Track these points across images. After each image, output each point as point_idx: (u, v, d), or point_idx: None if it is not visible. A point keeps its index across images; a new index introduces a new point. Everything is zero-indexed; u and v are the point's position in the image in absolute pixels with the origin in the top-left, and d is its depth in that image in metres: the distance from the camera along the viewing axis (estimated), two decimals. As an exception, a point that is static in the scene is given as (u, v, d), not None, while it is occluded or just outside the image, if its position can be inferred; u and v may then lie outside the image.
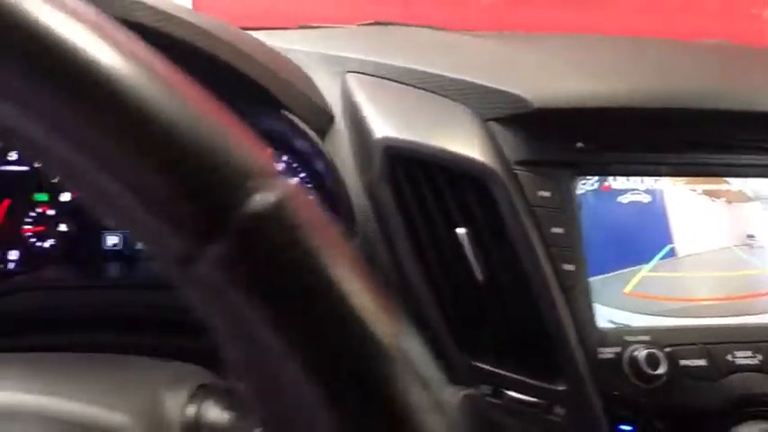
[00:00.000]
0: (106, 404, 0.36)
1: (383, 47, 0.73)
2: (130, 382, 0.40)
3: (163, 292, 0.62)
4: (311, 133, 0.54)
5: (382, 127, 0.56)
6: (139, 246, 0.71)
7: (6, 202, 0.68)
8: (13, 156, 0.69)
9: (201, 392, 0.40)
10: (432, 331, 0.53)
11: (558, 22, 1.14)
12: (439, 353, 0.54)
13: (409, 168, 0.54)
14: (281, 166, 0.71)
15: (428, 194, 0.53)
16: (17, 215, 0.69)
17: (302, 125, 0.55)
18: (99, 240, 0.71)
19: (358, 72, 0.68)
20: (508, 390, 0.51)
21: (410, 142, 0.54)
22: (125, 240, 0.71)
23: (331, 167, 0.53)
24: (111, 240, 0.71)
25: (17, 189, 0.69)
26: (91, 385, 0.38)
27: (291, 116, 0.55)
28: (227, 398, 0.40)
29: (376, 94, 0.64)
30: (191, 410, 0.38)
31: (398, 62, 0.62)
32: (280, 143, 0.71)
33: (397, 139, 0.54)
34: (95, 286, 0.64)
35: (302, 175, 0.72)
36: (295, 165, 0.72)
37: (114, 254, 0.71)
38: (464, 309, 0.53)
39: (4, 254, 0.69)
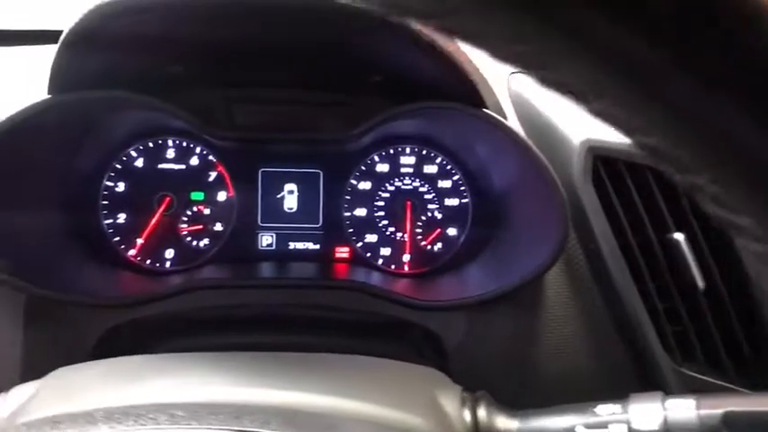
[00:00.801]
0: (398, 407, 0.35)
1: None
2: (399, 385, 0.39)
3: (316, 292, 0.62)
4: (511, 129, 0.53)
5: (583, 128, 0.56)
6: (293, 246, 0.71)
7: (167, 200, 0.68)
8: (170, 154, 0.68)
9: (469, 397, 0.39)
10: (637, 333, 0.52)
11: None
12: (644, 356, 0.53)
13: (615, 169, 0.53)
14: (434, 168, 0.71)
15: (636, 197, 0.52)
16: (175, 214, 0.68)
17: (502, 122, 0.54)
18: (254, 240, 0.70)
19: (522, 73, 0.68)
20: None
21: (618, 144, 0.53)
22: (279, 240, 0.70)
23: (539, 164, 0.52)
24: (266, 240, 0.70)
25: (175, 187, 0.68)
26: (368, 387, 0.37)
27: (491, 113, 0.55)
28: (496, 403, 0.39)
29: (554, 96, 0.63)
30: (466, 414, 0.38)
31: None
32: (433, 144, 0.71)
33: (602, 141, 0.54)
34: (251, 286, 0.63)
35: (456, 177, 0.71)
36: (449, 166, 0.71)
37: (269, 254, 0.70)
38: (674, 313, 0.52)
39: (161, 253, 0.69)
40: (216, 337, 0.61)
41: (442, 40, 0.46)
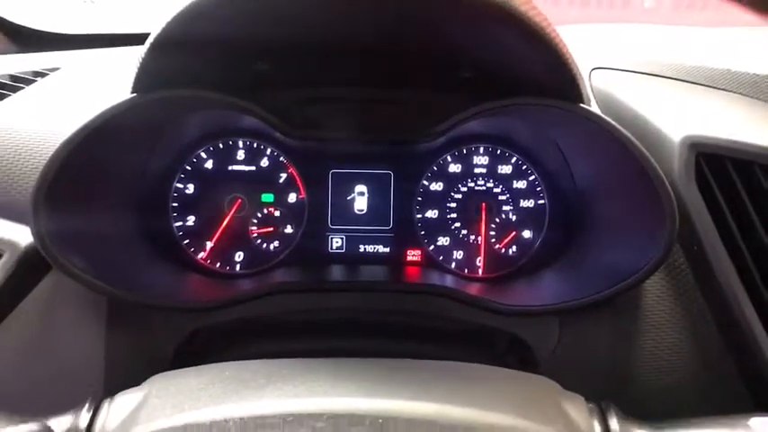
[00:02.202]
0: (530, 417, 0.33)
1: (621, 43, 0.69)
2: (519, 393, 0.37)
3: (389, 296, 0.60)
4: (613, 125, 0.51)
5: (682, 124, 0.53)
6: (363, 248, 0.69)
7: (239, 202, 0.67)
8: (240, 155, 0.67)
9: (595, 407, 0.37)
10: (748, 339, 0.49)
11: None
12: (754, 362, 0.50)
13: (720, 167, 0.50)
14: (509, 168, 0.68)
15: (745, 195, 0.49)
16: (245, 216, 0.67)
17: (604, 119, 0.51)
18: (324, 243, 0.69)
19: (606, 68, 0.65)
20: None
21: (724, 140, 0.50)
22: (348, 242, 0.69)
23: (645, 162, 0.49)
24: (336, 243, 0.69)
25: (245, 189, 0.67)
26: (490, 395, 0.35)
27: (591, 109, 0.52)
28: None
29: (645, 91, 0.60)
30: (596, 426, 0.35)
31: (673, 59, 0.59)
32: (507, 143, 0.68)
33: (706, 137, 0.51)
34: (329, 290, 0.61)
35: (532, 177, 0.68)
36: (524, 166, 0.68)
37: (339, 257, 0.69)
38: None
39: (231, 256, 0.67)
40: (294, 343, 0.59)
41: (550, 29, 0.44)
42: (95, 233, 0.54)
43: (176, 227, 0.67)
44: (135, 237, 0.61)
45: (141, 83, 0.50)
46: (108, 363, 0.51)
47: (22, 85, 0.65)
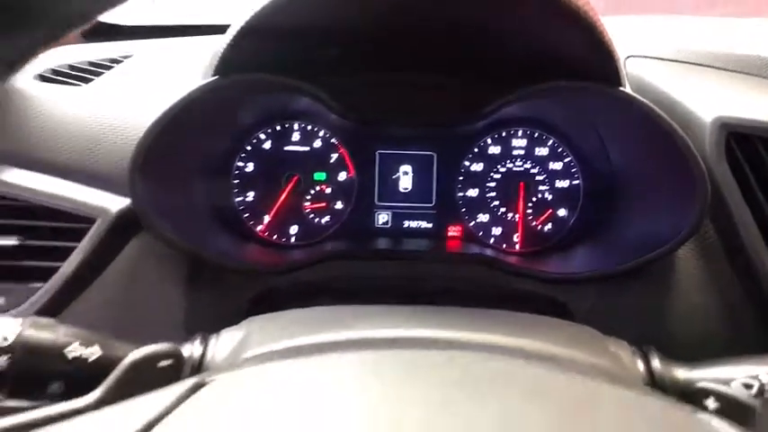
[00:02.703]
0: (587, 352, 0.37)
1: (653, 33, 0.73)
2: (569, 335, 0.41)
3: (434, 266, 0.65)
4: (651, 108, 0.55)
5: (714, 106, 0.57)
6: (407, 224, 0.74)
7: (295, 179, 0.72)
8: (295, 137, 0.73)
9: (637, 349, 0.41)
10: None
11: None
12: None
13: (750, 146, 0.54)
14: (545, 150, 0.73)
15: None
16: (300, 192, 0.73)
17: (645, 102, 0.55)
18: (371, 218, 0.74)
19: (639, 56, 0.69)
20: None
21: (754, 120, 0.54)
22: (394, 218, 0.74)
23: (680, 141, 0.53)
24: (382, 218, 0.74)
25: (300, 168, 0.73)
26: (545, 335, 0.39)
27: (631, 93, 0.56)
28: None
29: (676, 77, 0.64)
30: (639, 364, 0.39)
31: (704, 47, 0.63)
32: (544, 126, 0.73)
33: (736, 117, 0.55)
34: (370, 258, 0.66)
35: (567, 159, 0.73)
36: (560, 149, 0.73)
37: (385, 231, 0.74)
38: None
39: (287, 229, 0.73)
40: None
41: (591, 12, 0.49)
42: (175, 202, 0.60)
43: (237, 201, 0.73)
44: (205, 208, 0.67)
45: (223, 67, 0.56)
46: (187, 316, 0.57)
47: (101, 71, 0.72)
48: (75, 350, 0.35)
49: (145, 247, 0.59)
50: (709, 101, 0.58)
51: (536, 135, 0.73)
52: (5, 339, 0.34)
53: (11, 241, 0.54)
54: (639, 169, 0.63)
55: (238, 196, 0.73)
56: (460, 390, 0.27)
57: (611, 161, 0.68)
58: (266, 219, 0.73)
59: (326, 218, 0.74)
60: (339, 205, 0.74)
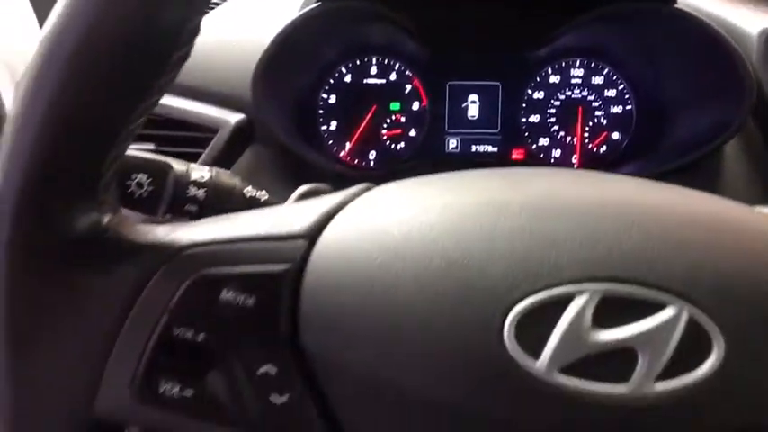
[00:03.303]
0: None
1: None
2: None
3: None
4: (705, 22, 0.62)
5: (759, 20, 0.64)
6: (474, 148, 0.82)
7: (374, 108, 0.81)
8: (374, 70, 0.81)
9: None
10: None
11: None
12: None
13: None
14: (601, 79, 0.80)
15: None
16: (378, 121, 0.81)
17: (701, 19, 0.63)
18: (442, 144, 0.82)
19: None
20: None
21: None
22: (462, 144, 0.82)
23: (733, 51, 0.60)
24: (452, 144, 0.82)
25: (377, 99, 0.81)
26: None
27: (680, 7, 0.64)
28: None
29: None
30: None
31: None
32: (600, 56, 0.80)
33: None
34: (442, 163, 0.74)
35: (621, 86, 0.80)
36: (615, 77, 0.80)
37: (454, 155, 0.82)
38: None
39: (366, 154, 0.82)
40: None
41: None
42: (284, 118, 0.69)
43: (322, 130, 0.81)
44: (299, 132, 0.76)
45: None
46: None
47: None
48: (250, 191, 0.44)
49: (257, 156, 0.67)
50: (754, 15, 0.65)
51: (592, 65, 0.81)
52: (203, 177, 0.43)
53: (149, 147, 0.64)
54: (689, 83, 0.70)
55: (323, 125, 0.81)
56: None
57: (662, 83, 0.75)
58: (348, 145, 0.82)
59: (401, 144, 0.82)
60: (413, 132, 0.82)
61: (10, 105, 0.76)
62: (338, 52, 0.80)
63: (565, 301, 0.26)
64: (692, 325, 0.25)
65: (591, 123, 0.81)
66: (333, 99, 0.81)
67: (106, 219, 0.28)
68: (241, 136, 0.66)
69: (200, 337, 0.28)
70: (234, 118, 0.66)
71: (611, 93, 0.80)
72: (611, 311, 0.26)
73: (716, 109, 0.64)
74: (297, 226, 0.30)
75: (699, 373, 0.25)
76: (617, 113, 0.80)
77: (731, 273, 0.26)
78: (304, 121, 0.80)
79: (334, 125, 0.81)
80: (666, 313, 0.25)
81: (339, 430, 0.29)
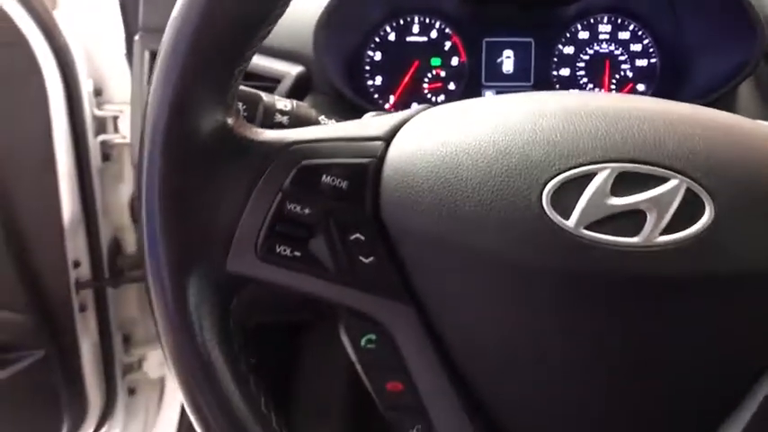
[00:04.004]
0: None
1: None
2: None
3: None
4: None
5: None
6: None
7: (416, 63, 0.88)
8: (416, 29, 0.88)
9: None
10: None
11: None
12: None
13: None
14: (627, 34, 0.86)
15: None
16: (420, 75, 0.89)
17: None
18: (480, 96, 0.89)
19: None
20: None
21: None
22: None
23: (751, 8, 0.66)
24: (489, 96, 0.89)
25: (420, 54, 0.88)
26: None
27: None
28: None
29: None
30: None
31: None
32: (626, 13, 0.86)
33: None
34: None
35: (646, 41, 0.86)
36: (640, 32, 0.86)
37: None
38: None
39: (410, 106, 0.89)
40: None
41: None
42: (337, 71, 0.77)
43: (369, 85, 0.89)
44: (350, 86, 0.84)
45: None
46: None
47: None
48: (324, 120, 0.53)
49: (314, 103, 0.76)
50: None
51: (619, 21, 0.87)
52: (286, 106, 0.52)
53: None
54: (706, 32, 0.76)
55: (369, 80, 0.89)
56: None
57: (683, 34, 0.81)
58: (392, 98, 0.89)
59: (442, 96, 0.90)
60: (452, 86, 0.89)
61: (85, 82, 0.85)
62: (383, 12, 0.87)
63: (590, 176, 0.34)
64: (689, 193, 0.33)
65: (617, 76, 0.87)
66: (378, 56, 0.89)
67: (231, 121, 0.37)
68: (301, 85, 0.74)
69: (306, 210, 0.36)
70: (295, 69, 0.74)
71: (636, 47, 0.87)
72: (626, 184, 0.34)
73: (731, 54, 0.71)
74: (377, 131, 0.39)
75: (693, 229, 0.33)
76: (642, 66, 0.87)
77: (722, 155, 0.34)
78: (353, 76, 0.87)
79: (379, 80, 0.89)
80: (669, 185, 0.33)
81: (412, 286, 0.37)
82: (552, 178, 0.34)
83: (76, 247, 1.05)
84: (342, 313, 0.38)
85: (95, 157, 1.07)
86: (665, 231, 0.33)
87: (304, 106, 0.54)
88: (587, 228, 0.33)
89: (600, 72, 0.87)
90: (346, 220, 0.37)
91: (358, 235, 0.37)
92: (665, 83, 0.86)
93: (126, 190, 1.16)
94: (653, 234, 0.33)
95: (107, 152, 1.10)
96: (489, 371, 0.37)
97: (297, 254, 0.37)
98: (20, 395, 1.08)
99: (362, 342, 0.38)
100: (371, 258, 0.37)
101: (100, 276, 1.10)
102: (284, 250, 0.37)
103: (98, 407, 1.20)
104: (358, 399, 1.19)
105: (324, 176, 0.37)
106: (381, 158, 0.38)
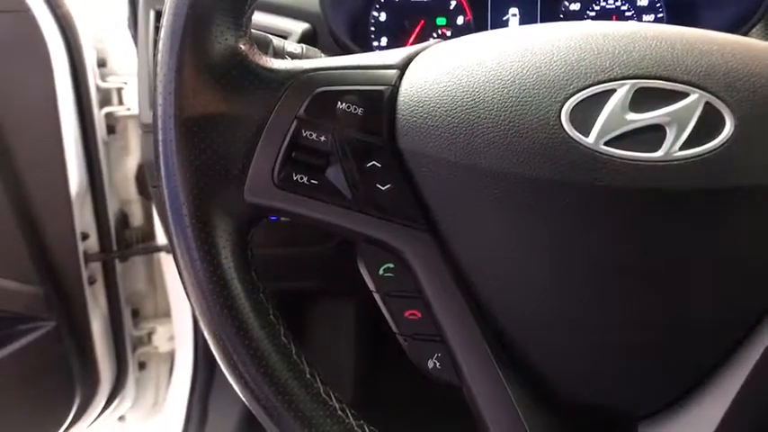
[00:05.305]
0: None
1: None
2: None
3: None
4: None
5: None
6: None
7: (421, 22, 0.88)
8: (421, -11, 0.88)
9: None
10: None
11: None
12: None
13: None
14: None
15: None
16: (425, 35, 0.88)
17: None
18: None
19: None
20: None
21: None
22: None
23: None
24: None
25: (425, 14, 0.88)
26: None
27: None
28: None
29: None
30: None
31: None
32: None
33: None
34: None
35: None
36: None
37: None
38: None
39: (415, 66, 0.89)
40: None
41: None
42: (343, 29, 0.77)
43: (374, 46, 0.88)
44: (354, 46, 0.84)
45: None
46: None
47: None
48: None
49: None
50: None
51: (626, -24, 0.86)
52: (296, 49, 0.51)
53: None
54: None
55: (375, 41, 0.89)
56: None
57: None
58: (398, 59, 0.89)
59: (447, 56, 0.89)
60: (458, 45, 0.89)
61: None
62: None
63: (609, 93, 0.34)
64: (709, 108, 0.33)
65: (624, 32, 0.86)
66: (383, 17, 0.88)
67: (245, 47, 0.36)
68: (307, 42, 0.73)
69: (322, 138, 0.36)
70: (301, 27, 0.74)
71: (643, 2, 0.86)
72: (645, 100, 0.33)
73: (735, 6, 0.70)
74: (391, 60, 0.38)
75: (713, 143, 0.33)
76: (649, 22, 0.86)
77: (741, 69, 0.34)
78: (359, 37, 0.87)
79: (384, 41, 0.88)
80: (688, 99, 0.33)
81: (429, 213, 0.37)
82: (571, 96, 0.34)
83: (84, 219, 1.05)
84: (359, 242, 0.38)
85: (101, 129, 1.06)
86: (685, 146, 0.33)
87: (314, 50, 0.53)
88: (607, 143, 0.33)
89: (607, 28, 0.86)
90: (363, 148, 0.37)
91: (375, 162, 0.37)
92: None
93: (132, 163, 1.15)
94: (673, 148, 0.33)
95: (111, 124, 1.10)
96: (506, 294, 0.37)
97: (314, 182, 0.37)
98: (32, 369, 1.08)
99: (380, 271, 0.38)
100: (388, 185, 0.37)
101: (108, 249, 1.10)
102: (301, 178, 0.37)
103: (109, 380, 1.21)
104: (367, 367, 1.20)
105: (339, 103, 0.36)
106: (396, 86, 0.38)
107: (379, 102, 0.37)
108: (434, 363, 0.38)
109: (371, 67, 0.38)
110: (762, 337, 0.35)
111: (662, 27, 0.37)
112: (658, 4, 0.86)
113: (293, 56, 0.51)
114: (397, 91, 0.37)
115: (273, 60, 0.38)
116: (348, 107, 0.36)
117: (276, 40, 0.51)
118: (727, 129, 0.33)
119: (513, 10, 0.88)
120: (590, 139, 0.33)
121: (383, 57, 0.39)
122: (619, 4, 0.86)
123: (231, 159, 0.36)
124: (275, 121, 0.36)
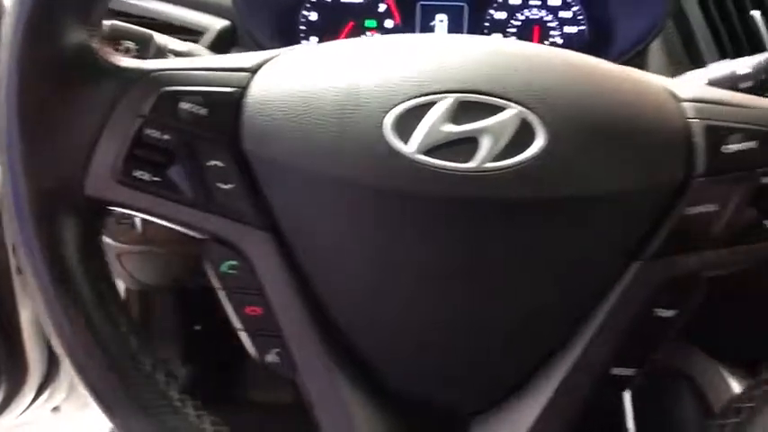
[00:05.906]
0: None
1: None
2: None
3: None
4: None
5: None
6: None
7: (350, 25, 0.89)
8: (350, -10, 0.89)
9: None
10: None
11: None
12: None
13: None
14: (558, 1, 0.87)
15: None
16: (355, 35, 0.89)
17: None
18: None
19: None
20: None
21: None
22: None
23: None
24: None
25: (355, 16, 0.89)
26: None
27: None
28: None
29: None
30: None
31: None
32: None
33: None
34: None
35: (575, 8, 0.87)
36: (570, 0, 0.87)
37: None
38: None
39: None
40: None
41: None
42: (265, 29, 0.77)
43: (303, 44, 0.89)
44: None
45: None
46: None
47: None
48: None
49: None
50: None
51: (550, -13, 0.88)
52: (181, 48, 0.52)
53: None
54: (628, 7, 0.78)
55: (304, 41, 0.89)
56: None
57: (609, 3, 0.82)
58: (326, 59, 0.90)
59: (375, 59, 0.90)
60: (386, 48, 0.90)
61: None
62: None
63: (429, 105, 0.35)
64: (523, 123, 0.35)
65: (546, 42, 0.88)
66: (313, 16, 0.89)
67: (95, 44, 0.37)
68: (225, 40, 0.74)
69: (166, 137, 0.37)
70: (219, 23, 0.74)
71: (566, 14, 0.88)
72: (465, 113, 0.35)
73: (646, 16, 0.72)
74: (247, 63, 0.40)
75: (523, 156, 0.34)
76: (571, 33, 0.88)
77: (557, 86, 0.35)
78: (286, 36, 0.88)
79: (314, 41, 0.89)
80: (504, 114, 0.35)
81: (269, 211, 0.38)
82: (395, 106, 0.35)
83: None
84: (202, 239, 0.39)
85: None
86: (498, 158, 0.34)
87: (201, 49, 0.54)
88: (425, 153, 0.35)
89: (529, 37, 0.88)
90: (205, 147, 0.38)
91: (217, 162, 0.38)
92: (591, 49, 0.87)
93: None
94: (484, 160, 0.34)
95: None
96: (339, 294, 0.38)
97: (156, 179, 0.38)
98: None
99: (223, 268, 0.39)
100: (230, 185, 0.38)
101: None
102: (142, 175, 0.38)
103: (39, 370, 1.20)
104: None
105: (183, 103, 0.37)
106: (245, 89, 0.39)
107: (226, 103, 0.38)
108: (273, 357, 0.39)
109: (224, 69, 0.39)
110: (574, 344, 0.36)
111: (499, 43, 0.39)
112: (580, 17, 0.88)
113: (177, 54, 0.52)
114: (244, 94, 0.39)
115: (123, 59, 0.39)
116: (192, 107, 0.37)
117: (159, 38, 0.51)
118: (539, 142, 0.34)
119: (441, 16, 0.89)
120: (409, 149, 0.35)
121: (240, 59, 0.40)
122: (542, 14, 0.88)
123: (72, 154, 0.37)
124: (118, 118, 0.37)
